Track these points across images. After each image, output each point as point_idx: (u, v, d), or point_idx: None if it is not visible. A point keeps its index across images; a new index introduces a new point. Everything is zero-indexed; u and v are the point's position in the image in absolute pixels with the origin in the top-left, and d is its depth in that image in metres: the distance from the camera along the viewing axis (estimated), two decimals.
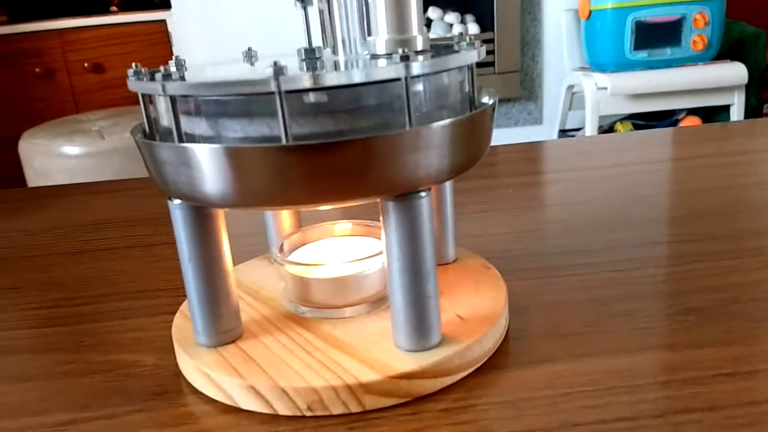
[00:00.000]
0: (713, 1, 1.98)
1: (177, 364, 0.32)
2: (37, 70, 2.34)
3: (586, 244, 0.44)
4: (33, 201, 0.68)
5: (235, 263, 0.33)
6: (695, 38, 2.01)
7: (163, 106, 0.27)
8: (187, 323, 0.34)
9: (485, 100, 0.31)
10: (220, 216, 0.30)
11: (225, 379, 0.28)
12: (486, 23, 2.36)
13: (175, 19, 2.19)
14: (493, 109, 0.29)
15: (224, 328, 0.31)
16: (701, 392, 0.27)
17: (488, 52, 2.36)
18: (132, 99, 2.39)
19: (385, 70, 0.24)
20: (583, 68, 2.25)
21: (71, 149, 1.82)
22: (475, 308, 0.33)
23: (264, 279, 0.38)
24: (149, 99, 0.29)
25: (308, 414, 0.28)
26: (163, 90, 0.25)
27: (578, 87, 2.22)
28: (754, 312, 0.33)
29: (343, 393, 0.27)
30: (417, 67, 0.25)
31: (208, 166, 0.25)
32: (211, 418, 0.28)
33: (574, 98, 2.32)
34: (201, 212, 0.29)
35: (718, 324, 0.33)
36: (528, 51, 2.46)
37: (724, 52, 2.14)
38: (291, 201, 0.25)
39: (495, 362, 0.31)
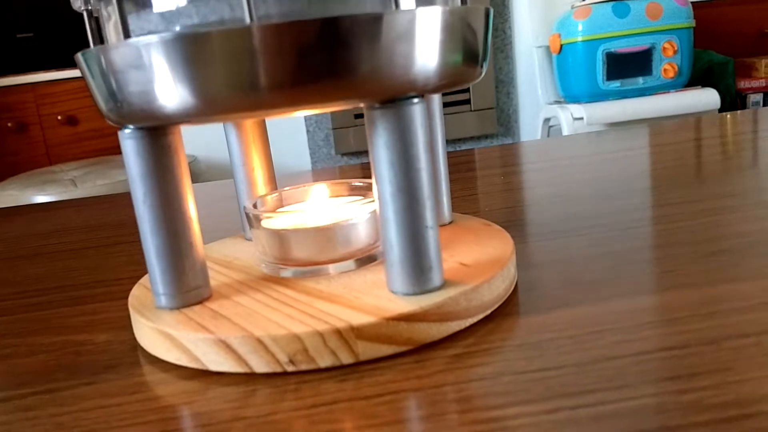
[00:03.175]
0: (680, 30, 2.03)
1: (134, 339, 0.28)
2: (9, 124, 2.30)
3: (591, 211, 0.40)
4: None
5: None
6: (666, 66, 2.05)
7: (109, 12, 0.24)
8: (146, 293, 0.29)
9: None
10: (180, 149, 0.26)
11: (189, 336, 0.24)
12: None
13: None
14: (488, 17, 0.26)
15: (188, 286, 0.26)
16: (752, 319, 0.23)
17: (464, 91, 2.37)
18: (107, 150, 2.35)
19: None
20: (557, 102, 2.27)
21: (43, 198, 1.77)
22: (479, 256, 0.29)
23: (238, 251, 0.34)
24: (96, 22, 0.25)
25: (290, 369, 0.23)
26: None
27: (554, 120, 2.23)
28: None
29: (331, 339, 0.23)
30: None
31: (161, 63, 0.21)
32: (170, 385, 0.23)
33: (551, 131, 2.33)
34: (157, 142, 0.25)
35: (754, 262, 0.29)
36: (502, 88, 2.48)
37: (695, 80, 2.18)
38: (260, 103, 0.21)
39: (507, 310, 0.26)
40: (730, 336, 0.22)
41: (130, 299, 0.29)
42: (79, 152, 2.33)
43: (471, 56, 0.25)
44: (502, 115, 2.49)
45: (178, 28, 0.22)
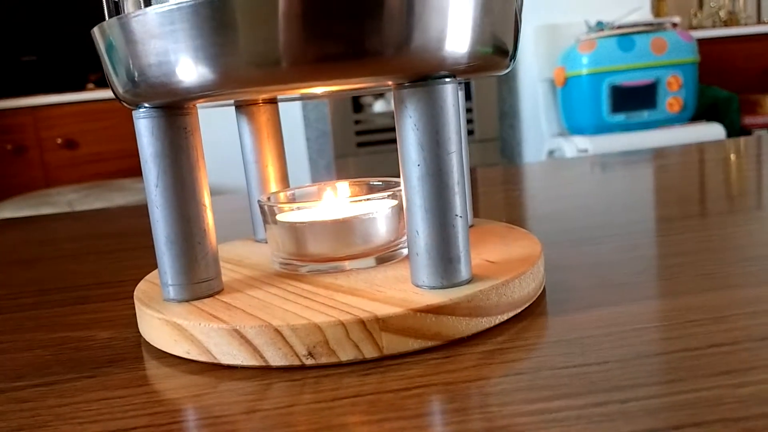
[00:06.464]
0: (685, 65, 2.04)
1: (139, 336, 0.26)
2: (8, 146, 2.30)
3: (616, 220, 0.39)
4: None
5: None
6: (671, 100, 2.05)
7: None
8: (153, 288, 0.27)
9: None
10: (196, 131, 0.24)
11: (200, 326, 0.22)
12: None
13: None
14: (521, 4, 0.25)
15: (199, 277, 0.25)
16: None
17: (467, 121, 2.38)
18: (107, 174, 2.34)
19: None
20: (561, 134, 2.28)
21: None
22: (507, 255, 0.27)
23: (249, 252, 0.32)
24: (114, 5, 0.24)
25: (309, 362, 0.21)
26: None
27: (559, 152, 2.23)
28: None
29: (354, 330, 0.21)
30: None
31: (181, 30, 0.20)
32: (179, 379, 0.22)
33: None
34: (173, 122, 0.23)
35: None
36: (506, 120, 2.49)
37: (700, 115, 2.18)
38: (281, 75, 0.20)
39: (538, 310, 0.25)
40: None
41: (136, 293, 0.27)
42: (78, 176, 2.32)
43: (502, 38, 0.24)
44: (506, 147, 2.50)
45: None
